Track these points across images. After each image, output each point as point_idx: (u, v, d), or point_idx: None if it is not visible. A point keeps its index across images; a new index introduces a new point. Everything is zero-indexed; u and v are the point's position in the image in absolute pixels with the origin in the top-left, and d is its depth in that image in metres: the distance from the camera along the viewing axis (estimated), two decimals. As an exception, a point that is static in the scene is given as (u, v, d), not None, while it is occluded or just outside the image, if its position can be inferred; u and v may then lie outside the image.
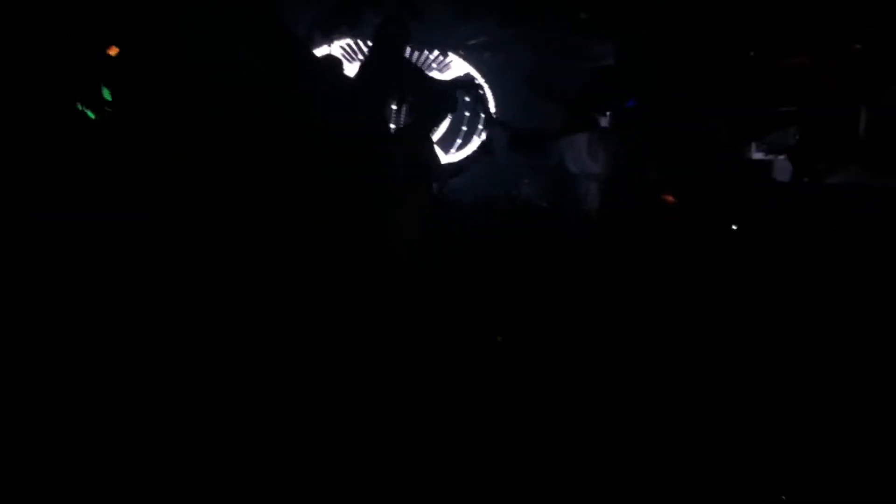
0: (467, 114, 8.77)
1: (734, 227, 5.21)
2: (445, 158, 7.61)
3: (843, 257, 4.07)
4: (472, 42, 8.67)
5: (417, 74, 5.66)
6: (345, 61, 8.16)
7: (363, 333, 3.60)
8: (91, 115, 4.02)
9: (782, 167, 5.80)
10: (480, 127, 8.51)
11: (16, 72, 3.82)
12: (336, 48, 8.06)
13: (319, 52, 6.92)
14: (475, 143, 8.86)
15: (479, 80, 8.78)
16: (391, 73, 5.20)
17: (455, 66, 9.02)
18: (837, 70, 5.38)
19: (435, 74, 8.79)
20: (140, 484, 2.62)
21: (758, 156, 6.18)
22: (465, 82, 7.55)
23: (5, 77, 3.80)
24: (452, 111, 5.62)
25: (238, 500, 2.68)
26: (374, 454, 2.87)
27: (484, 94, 8.35)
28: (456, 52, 8.96)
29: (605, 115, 7.74)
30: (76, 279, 3.48)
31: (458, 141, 8.65)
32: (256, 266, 3.82)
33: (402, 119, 5.49)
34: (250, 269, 3.80)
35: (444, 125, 6.21)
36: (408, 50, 6.57)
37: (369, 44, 6.37)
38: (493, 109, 8.47)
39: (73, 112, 3.99)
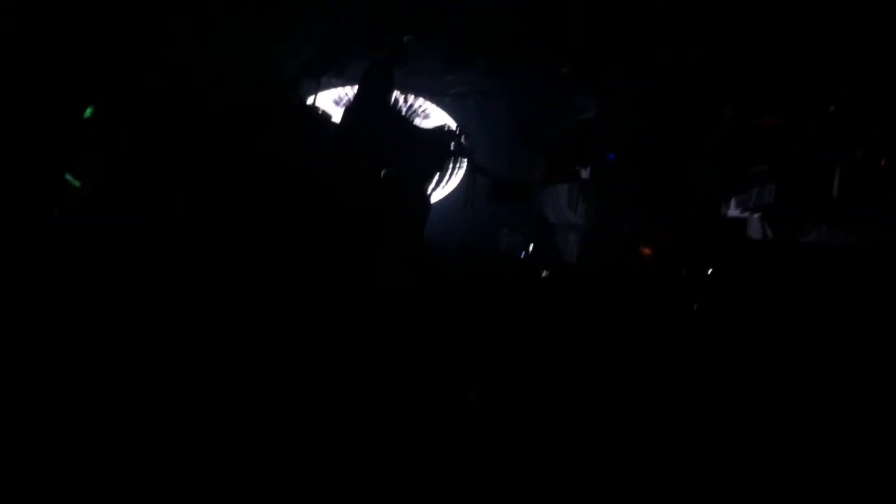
0: (448, 157, 8.89)
1: (710, 285, 5.26)
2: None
3: (815, 315, 4.12)
4: (457, 90, 8.82)
5: (403, 121, 5.73)
6: (334, 107, 8.26)
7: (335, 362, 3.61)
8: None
9: (757, 225, 5.90)
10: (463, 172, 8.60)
11: (16, 72, 3.86)
12: (326, 97, 8.16)
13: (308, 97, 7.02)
14: (455, 189, 8.96)
15: (458, 128, 8.91)
16: (376, 118, 5.27)
17: (434, 114, 9.15)
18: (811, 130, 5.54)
19: (420, 121, 8.94)
20: (134, 483, 2.60)
21: (734, 213, 6.30)
22: (449, 130, 7.65)
23: (5, 77, 3.84)
24: (442, 160, 5.69)
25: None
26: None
27: (466, 141, 8.47)
28: (441, 99, 9.09)
29: (585, 167, 7.85)
30: (76, 279, 3.48)
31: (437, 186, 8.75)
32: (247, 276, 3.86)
33: (391, 165, 5.53)
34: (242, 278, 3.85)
35: (438, 173, 6.30)
36: (394, 96, 6.66)
37: (355, 89, 6.46)
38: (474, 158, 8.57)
39: (72, 112, 4.03)
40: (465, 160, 7.87)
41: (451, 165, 8.68)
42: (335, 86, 8.34)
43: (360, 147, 5.22)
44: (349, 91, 8.21)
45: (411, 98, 8.94)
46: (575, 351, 4.14)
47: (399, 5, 5.74)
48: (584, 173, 7.90)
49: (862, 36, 4.78)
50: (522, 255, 7.80)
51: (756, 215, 5.95)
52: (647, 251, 6.25)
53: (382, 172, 5.42)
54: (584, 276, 6.35)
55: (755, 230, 5.95)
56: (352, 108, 5.59)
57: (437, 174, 7.95)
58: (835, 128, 5.42)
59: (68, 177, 4.00)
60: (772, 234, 5.66)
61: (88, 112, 4.06)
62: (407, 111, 8.77)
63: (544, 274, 6.20)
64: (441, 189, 8.76)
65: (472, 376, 3.92)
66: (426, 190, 5.69)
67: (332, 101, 8.37)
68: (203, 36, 4.50)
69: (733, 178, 6.19)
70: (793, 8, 4.84)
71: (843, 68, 5.19)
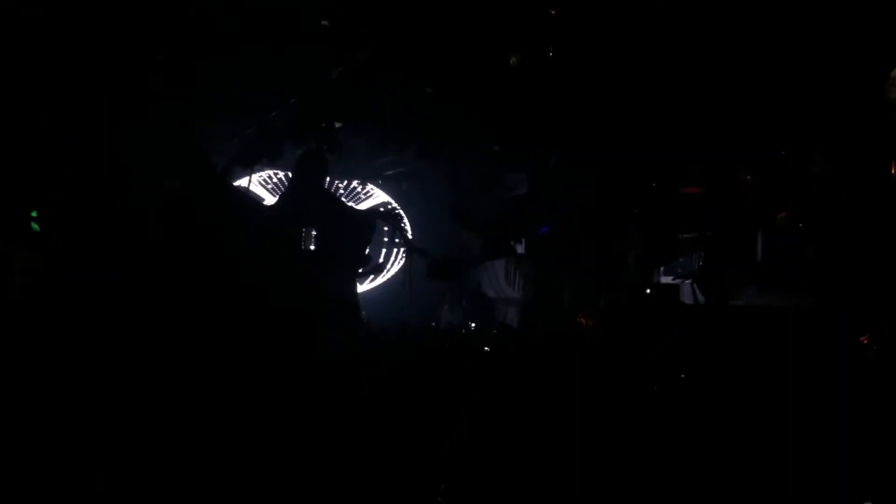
0: (385, 239, 8.93)
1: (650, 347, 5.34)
2: (363, 287, 7.67)
3: (747, 371, 4.22)
4: (390, 172, 8.94)
5: (336, 205, 5.76)
6: (266, 193, 8.27)
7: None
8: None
9: (689, 290, 6.07)
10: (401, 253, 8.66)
11: (16, 73, 3.83)
12: (256, 180, 8.17)
13: (240, 182, 7.02)
14: (393, 271, 8.98)
15: (397, 208, 9.02)
16: (310, 203, 5.28)
17: (376, 195, 9.26)
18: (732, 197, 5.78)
19: (358, 203, 9.02)
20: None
21: (666, 280, 6.47)
22: (384, 212, 7.73)
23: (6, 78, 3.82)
24: (367, 241, 5.69)
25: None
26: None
27: (403, 222, 8.54)
28: (375, 182, 9.20)
29: (520, 241, 7.98)
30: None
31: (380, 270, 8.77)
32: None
33: (322, 247, 5.53)
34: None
35: (366, 253, 6.32)
36: (327, 180, 6.70)
37: (289, 175, 6.49)
38: (410, 237, 8.64)
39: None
40: (402, 240, 7.93)
41: (389, 247, 8.73)
42: (269, 172, 8.37)
43: (295, 231, 5.22)
44: (282, 177, 8.25)
45: (347, 181, 9.03)
46: (522, 425, 4.12)
47: (328, 93, 5.84)
48: (520, 248, 8.02)
49: (774, 107, 5.07)
50: (463, 331, 7.81)
51: (687, 281, 6.12)
52: (586, 321, 6.33)
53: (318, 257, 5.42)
54: (526, 349, 6.38)
55: (687, 296, 6.10)
56: (287, 195, 5.60)
57: (371, 253, 7.99)
58: (753, 194, 5.66)
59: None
60: (703, 298, 5.81)
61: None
62: (347, 194, 8.85)
63: (486, 348, 6.21)
64: (384, 274, 8.79)
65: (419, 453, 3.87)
66: (360, 268, 5.70)
67: (263, 187, 8.39)
68: (136, 123, 4.51)
69: (663, 246, 6.37)
70: (710, 83, 5.11)
71: (757, 140, 5.45)
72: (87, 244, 4.10)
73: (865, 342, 4.11)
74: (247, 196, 6.30)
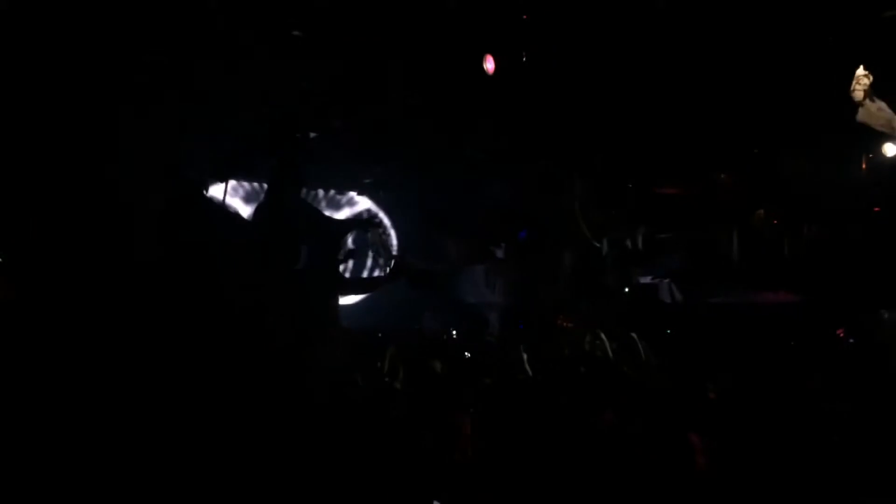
0: (371, 254, 8.90)
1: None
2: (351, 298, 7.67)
3: (728, 370, 4.25)
4: (368, 180, 8.93)
5: (312, 214, 5.75)
6: (238, 202, 8.23)
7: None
8: None
9: (667, 290, 6.11)
10: (381, 261, 8.62)
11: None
12: (229, 189, 8.12)
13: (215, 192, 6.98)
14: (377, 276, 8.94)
15: (380, 215, 9.00)
16: (286, 213, 5.26)
17: (358, 202, 9.24)
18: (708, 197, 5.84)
19: (340, 210, 9.00)
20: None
21: (644, 280, 6.52)
22: (364, 220, 7.71)
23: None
24: (336, 249, 5.69)
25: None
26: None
27: (384, 230, 8.52)
28: (353, 190, 9.18)
29: (499, 247, 8.00)
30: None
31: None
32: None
33: (301, 257, 5.52)
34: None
35: (344, 261, 6.29)
36: (304, 190, 6.68)
37: (263, 185, 6.46)
38: (394, 244, 8.63)
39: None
40: (382, 247, 7.92)
41: (371, 255, 8.71)
42: (245, 183, 8.33)
43: (274, 242, 5.20)
44: (256, 185, 8.22)
45: (325, 190, 9.01)
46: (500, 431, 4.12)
47: (302, 104, 5.83)
48: (499, 253, 8.04)
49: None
50: (446, 337, 7.80)
51: (665, 281, 6.17)
52: (566, 324, 6.36)
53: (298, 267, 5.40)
54: (507, 352, 6.39)
55: (665, 295, 6.15)
56: (263, 205, 5.58)
57: (351, 261, 7.98)
58: (729, 195, 5.73)
59: None
60: (681, 297, 5.86)
61: None
62: (327, 203, 8.83)
63: (467, 354, 6.21)
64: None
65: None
66: (337, 277, 5.70)
67: (241, 199, 8.35)
68: (114, 139, 4.48)
69: (641, 246, 6.43)
70: (684, 86, 5.17)
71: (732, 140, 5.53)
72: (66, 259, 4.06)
73: (841, 335, 4.18)
74: (223, 207, 6.25)
